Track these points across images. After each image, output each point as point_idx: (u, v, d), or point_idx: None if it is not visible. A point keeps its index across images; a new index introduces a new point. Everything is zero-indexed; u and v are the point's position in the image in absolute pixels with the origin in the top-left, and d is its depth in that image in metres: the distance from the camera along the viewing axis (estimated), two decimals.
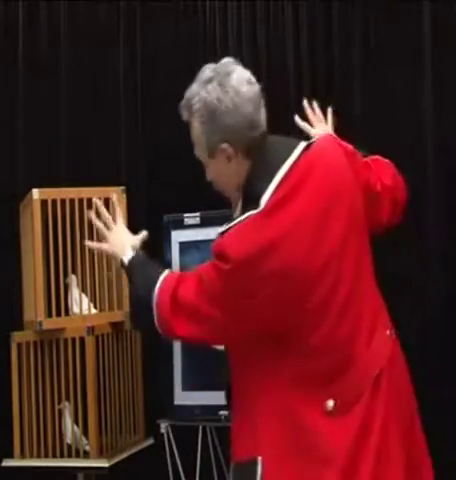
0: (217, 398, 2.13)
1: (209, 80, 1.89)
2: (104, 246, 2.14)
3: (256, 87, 1.96)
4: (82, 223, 2.93)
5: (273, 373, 1.82)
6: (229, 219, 1.83)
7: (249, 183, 1.87)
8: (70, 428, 2.87)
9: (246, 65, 3.83)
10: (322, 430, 1.78)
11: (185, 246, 2.20)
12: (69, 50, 3.67)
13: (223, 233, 1.81)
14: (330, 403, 1.78)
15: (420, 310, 3.30)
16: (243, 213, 1.80)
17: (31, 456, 2.90)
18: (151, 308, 1.86)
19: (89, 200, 2.96)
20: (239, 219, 1.79)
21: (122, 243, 2.09)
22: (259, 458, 1.80)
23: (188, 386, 2.19)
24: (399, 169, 3.28)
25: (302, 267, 1.77)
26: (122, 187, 3.06)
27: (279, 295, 1.76)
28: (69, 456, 2.84)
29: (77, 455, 2.84)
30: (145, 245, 3.54)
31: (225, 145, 1.86)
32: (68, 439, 2.88)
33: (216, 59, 3.85)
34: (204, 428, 2.41)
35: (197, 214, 2.20)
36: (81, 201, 2.94)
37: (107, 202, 3.01)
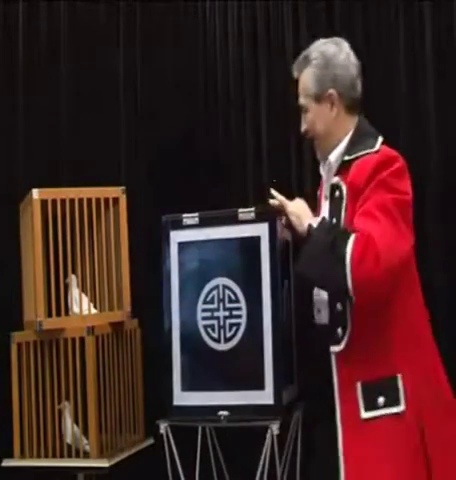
0: (217, 398, 2.13)
1: (327, 42, 2.32)
2: (289, 207, 2.19)
3: (358, 62, 2.34)
4: (82, 223, 2.94)
5: (406, 301, 2.15)
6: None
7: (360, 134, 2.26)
8: (70, 428, 2.87)
9: (246, 65, 3.85)
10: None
11: (184, 246, 2.19)
12: (69, 50, 3.67)
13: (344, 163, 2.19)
14: None
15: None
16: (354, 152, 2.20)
17: (31, 456, 2.90)
18: (345, 264, 2.01)
19: (89, 200, 2.96)
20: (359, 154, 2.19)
21: (304, 210, 2.20)
22: (399, 375, 2.11)
23: (188, 386, 2.18)
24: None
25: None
26: (122, 187, 3.06)
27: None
28: (69, 456, 2.84)
29: (77, 455, 2.84)
30: (145, 245, 3.56)
31: (333, 91, 2.25)
32: (68, 439, 2.88)
33: (216, 59, 3.87)
34: (204, 428, 2.40)
35: (196, 214, 2.20)
36: (81, 201, 2.94)
37: (107, 202, 3.02)
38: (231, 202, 3.17)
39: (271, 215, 2.11)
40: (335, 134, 2.28)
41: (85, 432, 2.85)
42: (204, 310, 2.15)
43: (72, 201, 2.94)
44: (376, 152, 2.19)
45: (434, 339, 2.23)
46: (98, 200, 2.98)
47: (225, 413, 2.12)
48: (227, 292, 2.13)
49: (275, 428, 2.04)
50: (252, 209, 2.13)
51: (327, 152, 2.29)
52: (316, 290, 2.25)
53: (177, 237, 2.20)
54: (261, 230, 2.11)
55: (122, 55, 3.68)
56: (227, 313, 2.12)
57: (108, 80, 3.66)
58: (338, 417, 2.14)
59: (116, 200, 3.02)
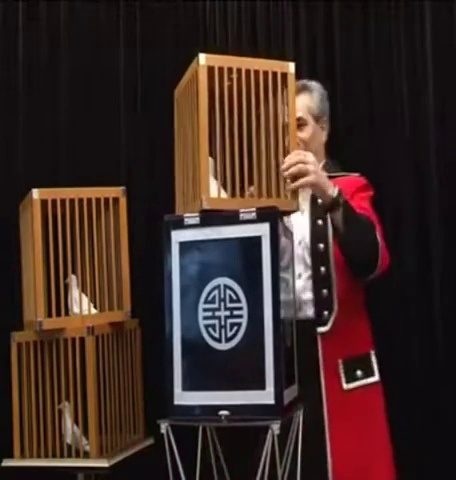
0: (217, 398, 2.13)
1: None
2: (310, 178, 2.25)
3: None
4: (82, 223, 2.94)
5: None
6: None
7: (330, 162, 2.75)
8: (70, 428, 2.87)
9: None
10: None
11: (185, 246, 2.19)
12: (69, 50, 3.66)
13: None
14: None
15: (423, 315, 3.31)
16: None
17: (31, 456, 2.90)
18: (376, 236, 2.44)
19: (89, 200, 2.97)
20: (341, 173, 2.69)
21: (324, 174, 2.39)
22: (371, 351, 2.65)
23: (188, 386, 2.18)
24: (401, 165, 3.29)
25: None
26: (122, 187, 3.06)
27: None
28: (69, 456, 2.84)
29: (77, 455, 2.84)
30: (145, 245, 3.55)
31: (326, 119, 2.77)
32: (68, 439, 2.88)
33: None
34: (204, 428, 2.40)
35: (197, 214, 2.20)
36: (81, 201, 2.94)
37: (107, 202, 3.02)
38: None
39: (272, 215, 2.11)
40: (319, 154, 2.68)
41: (85, 432, 2.85)
42: (205, 310, 2.15)
43: (72, 201, 2.94)
44: (358, 176, 2.72)
45: None
46: (98, 200, 2.98)
47: (226, 413, 2.12)
48: (228, 292, 2.12)
49: (276, 428, 2.04)
50: (253, 209, 2.13)
51: None
52: (301, 288, 2.57)
53: (178, 237, 2.19)
54: (262, 230, 2.11)
55: (122, 55, 3.68)
56: (228, 313, 2.12)
57: (108, 80, 3.65)
58: (323, 391, 2.52)
59: (116, 200, 3.02)
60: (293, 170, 2.23)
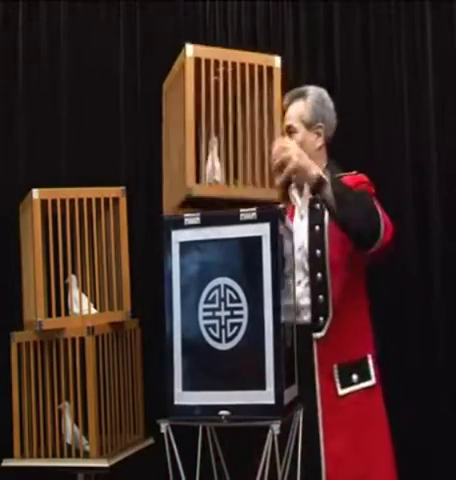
0: (217, 398, 2.13)
1: (322, 89, 2.73)
2: (290, 165, 2.24)
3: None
4: (82, 223, 2.94)
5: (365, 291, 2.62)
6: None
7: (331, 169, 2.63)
8: (70, 428, 2.87)
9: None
10: None
11: (185, 246, 2.19)
12: (69, 50, 3.67)
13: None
14: None
15: (423, 315, 3.31)
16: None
17: (31, 456, 2.90)
18: (377, 211, 2.37)
19: (89, 200, 2.97)
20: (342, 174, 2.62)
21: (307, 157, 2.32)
22: (369, 355, 2.58)
23: (188, 386, 2.17)
24: (401, 165, 3.28)
25: None
26: (122, 187, 3.06)
27: None
28: (69, 456, 2.84)
29: (77, 455, 2.84)
30: (145, 245, 3.55)
31: (322, 124, 2.66)
32: (68, 439, 2.88)
33: None
34: (204, 428, 2.40)
35: (197, 214, 2.20)
36: (81, 201, 2.94)
37: (107, 202, 3.02)
38: None
39: (272, 215, 2.11)
40: (315, 159, 2.48)
41: (85, 432, 2.85)
42: (205, 310, 2.15)
43: (72, 201, 2.94)
44: (356, 174, 2.65)
45: None
46: (98, 200, 2.98)
47: (226, 413, 2.12)
48: (228, 292, 2.12)
49: (276, 428, 2.04)
50: (254, 209, 2.13)
51: None
52: (299, 294, 2.55)
53: (179, 237, 2.19)
54: (263, 230, 2.11)
55: (122, 55, 3.68)
56: (228, 313, 2.12)
57: (108, 80, 3.65)
58: (318, 396, 2.50)
59: (116, 200, 3.02)
60: (276, 162, 2.26)
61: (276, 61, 2.40)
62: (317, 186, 2.28)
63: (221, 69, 2.32)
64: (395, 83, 3.39)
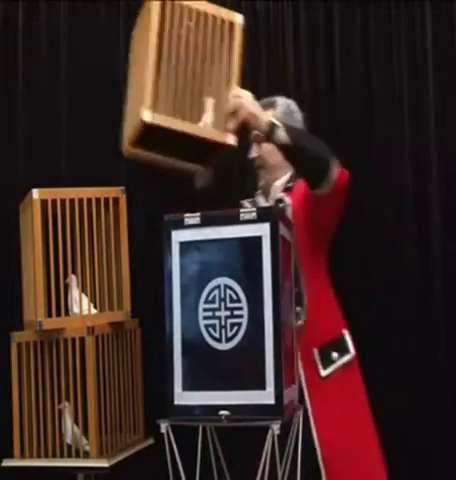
0: (217, 398, 2.13)
1: (290, 100, 2.85)
2: (242, 111, 2.38)
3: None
4: (82, 223, 2.94)
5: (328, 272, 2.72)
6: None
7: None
8: (70, 428, 2.87)
9: (246, 65, 3.84)
10: None
11: (185, 246, 2.19)
12: (69, 50, 3.66)
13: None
14: None
15: (423, 315, 3.31)
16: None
17: (31, 456, 2.90)
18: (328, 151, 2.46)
19: (89, 200, 2.97)
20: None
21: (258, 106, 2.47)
22: (344, 330, 2.70)
23: (188, 386, 2.18)
24: (401, 165, 3.27)
25: None
26: (122, 187, 3.06)
27: None
28: (69, 456, 2.84)
29: (77, 455, 2.84)
30: (145, 245, 3.55)
31: None
32: (68, 439, 2.88)
33: None
34: (204, 428, 2.40)
35: (197, 214, 2.20)
36: (81, 201, 2.94)
37: (107, 202, 3.02)
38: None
39: (272, 215, 2.11)
40: (282, 168, 2.71)
41: (85, 432, 2.85)
42: (205, 310, 2.15)
43: (72, 201, 2.94)
44: None
45: None
46: (98, 200, 2.98)
47: (226, 413, 2.12)
48: (228, 292, 2.13)
49: (276, 428, 2.04)
50: (254, 209, 2.14)
51: (271, 181, 2.76)
52: None
53: (179, 237, 2.19)
54: (263, 230, 2.11)
55: (122, 55, 3.67)
56: (228, 313, 2.12)
57: (108, 80, 3.65)
58: (303, 380, 2.54)
59: (116, 200, 3.02)
60: (229, 108, 2.37)
61: (238, 17, 2.47)
62: (270, 132, 2.40)
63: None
64: (395, 83, 3.38)
